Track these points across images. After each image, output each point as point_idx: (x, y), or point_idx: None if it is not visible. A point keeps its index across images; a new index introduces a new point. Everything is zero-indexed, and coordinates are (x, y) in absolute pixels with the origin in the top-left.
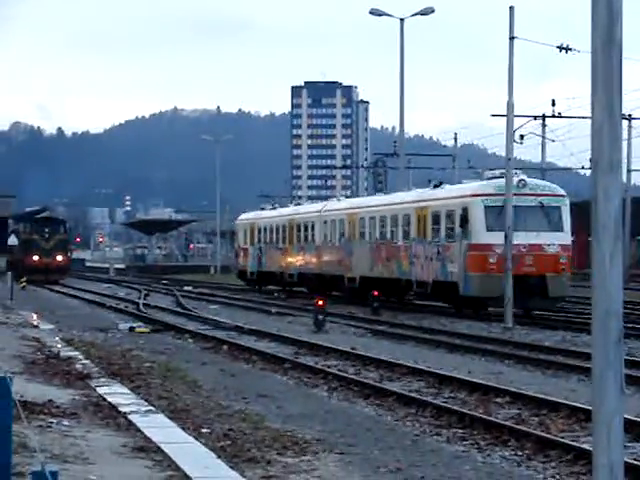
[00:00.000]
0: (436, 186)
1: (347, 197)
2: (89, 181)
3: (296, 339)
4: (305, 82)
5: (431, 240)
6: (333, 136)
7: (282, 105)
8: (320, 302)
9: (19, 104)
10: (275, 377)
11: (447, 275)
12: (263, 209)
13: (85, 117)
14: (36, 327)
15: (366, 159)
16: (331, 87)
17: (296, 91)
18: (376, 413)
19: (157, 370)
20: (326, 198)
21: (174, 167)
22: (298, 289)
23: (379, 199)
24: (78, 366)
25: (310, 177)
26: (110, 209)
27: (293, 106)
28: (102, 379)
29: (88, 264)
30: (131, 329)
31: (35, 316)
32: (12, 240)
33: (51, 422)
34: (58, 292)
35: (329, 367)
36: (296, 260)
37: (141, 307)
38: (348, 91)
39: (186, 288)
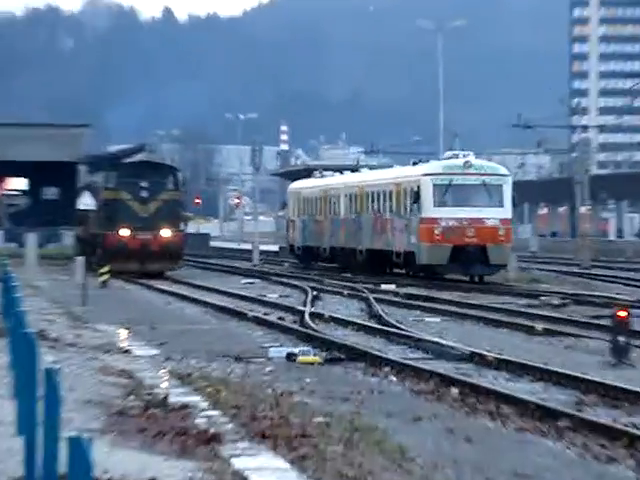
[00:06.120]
0: (415, 163)
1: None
2: (216, 99)
3: (579, 377)
4: None
5: (402, 214)
6: None
7: None
8: (621, 313)
9: None
10: (543, 444)
11: (411, 246)
12: (321, 176)
13: None
14: (126, 352)
15: None
16: None
17: None
18: None
19: (336, 430)
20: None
21: (361, 75)
22: (330, 265)
23: (377, 174)
24: (200, 421)
25: (603, 92)
26: (253, 148)
27: None
28: (241, 444)
29: (215, 243)
30: (290, 357)
31: (125, 333)
32: (86, 202)
33: None
34: (163, 292)
35: (638, 427)
36: (328, 234)
37: (307, 319)
38: None
39: (385, 287)
